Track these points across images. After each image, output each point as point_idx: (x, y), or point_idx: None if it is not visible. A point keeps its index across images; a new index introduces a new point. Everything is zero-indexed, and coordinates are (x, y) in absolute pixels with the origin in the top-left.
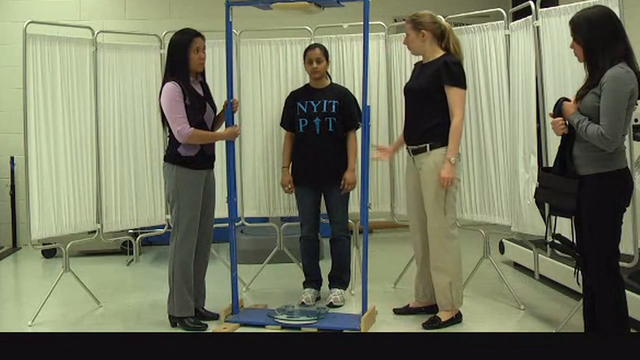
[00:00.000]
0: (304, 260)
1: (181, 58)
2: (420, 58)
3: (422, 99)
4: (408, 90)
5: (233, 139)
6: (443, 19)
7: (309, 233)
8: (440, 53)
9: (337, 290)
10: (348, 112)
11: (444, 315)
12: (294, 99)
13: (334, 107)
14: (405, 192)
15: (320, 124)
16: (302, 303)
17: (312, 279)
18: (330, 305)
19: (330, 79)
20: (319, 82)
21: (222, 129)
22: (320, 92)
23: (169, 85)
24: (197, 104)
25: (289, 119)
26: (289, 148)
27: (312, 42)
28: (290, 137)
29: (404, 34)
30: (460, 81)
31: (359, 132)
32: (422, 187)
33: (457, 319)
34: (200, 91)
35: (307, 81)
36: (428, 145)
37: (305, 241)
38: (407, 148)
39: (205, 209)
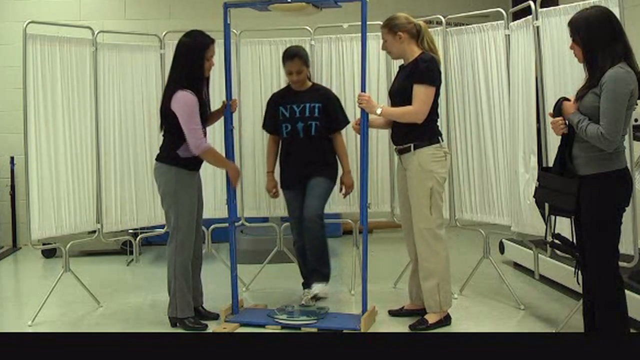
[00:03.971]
0: (300, 264)
1: (197, 65)
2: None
3: (403, 100)
4: (391, 93)
5: (234, 175)
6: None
7: (301, 238)
8: (418, 53)
9: (318, 285)
10: (333, 115)
11: (431, 318)
12: (276, 102)
13: (316, 110)
14: (397, 193)
15: (303, 128)
16: (303, 304)
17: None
18: (314, 297)
19: (311, 79)
20: (301, 85)
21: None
22: (302, 95)
23: (189, 96)
24: (203, 115)
25: (272, 122)
26: (272, 152)
27: (290, 46)
28: (273, 141)
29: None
30: (426, 78)
31: (355, 133)
32: (408, 186)
33: (445, 321)
34: (204, 97)
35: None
36: (412, 145)
37: (299, 247)
38: (394, 149)
39: (198, 207)
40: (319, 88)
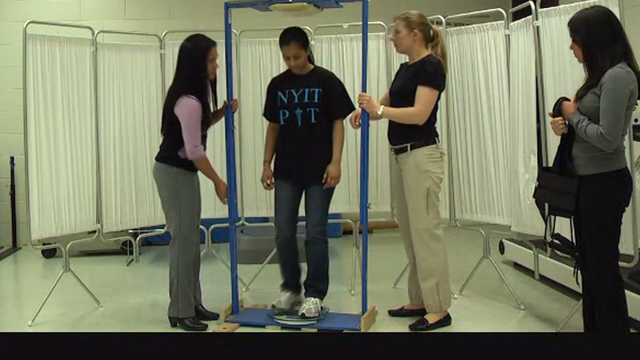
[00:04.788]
0: (280, 262)
1: (200, 69)
2: (406, 58)
3: (403, 99)
4: (392, 91)
5: (222, 190)
6: (441, 23)
7: (280, 233)
8: (425, 54)
9: (312, 299)
10: (333, 100)
11: (431, 318)
12: (275, 87)
13: (316, 95)
14: (394, 192)
15: (302, 115)
16: (273, 306)
17: (288, 284)
18: (303, 316)
19: (313, 61)
20: (300, 69)
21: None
22: (302, 79)
23: (193, 102)
24: (206, 119)
25: (271, 109)
26: (271, 141)
27: (286, 29)
28: (273, 129)
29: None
30: (431, 81)
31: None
32: (404, 187)
33: (445, 321)
34: (210, 103)
35: None
36: (409, 145)
37: (279, 242)
38: (391, 148)
39: (197, 208)
40: (321, 71)
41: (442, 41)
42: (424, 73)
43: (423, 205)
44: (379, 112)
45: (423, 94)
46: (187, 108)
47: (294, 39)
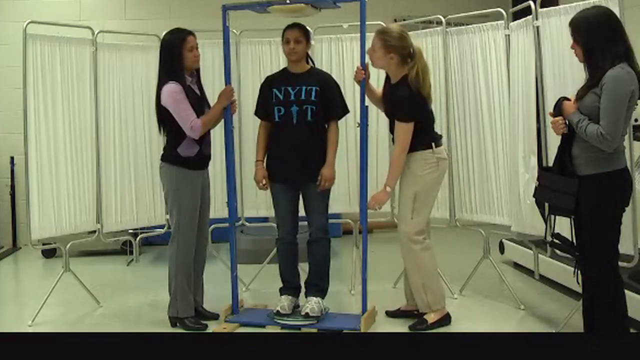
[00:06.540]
0: (281, 265)
1: (176, 58)
2: None
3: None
4: (384, 100)
5: (230, 100)
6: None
7: (286, 235)
8: (401, 74)
9: (314, 299)
10: (330, 99)
11: (431, 318)
12: (270, 84)
13: (313, 93)
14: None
15: (298, 113)
16: (278, 312)
17: (290, 286)
18: (307, 316)
19: (313, 63)
20: (298, 65)
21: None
22: (299, 77)
23: (170, 85)
24: (196, 103)
25: (263, 107)
26: (263, 139)
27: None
28: (265, 127)
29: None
30: (404, 117)
31: (354, 128)
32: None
33: (445, 321)
34: (197, 91)
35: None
36: None
37: (281, 244)
38: None
39: (203, 207)
40: (318, 71)
41: (422, 61)
42: (398, 108)
43: (409, 209)
44: (388, 190)
45: (399, 131)
46: (169, 94)
47: (299, 25)
